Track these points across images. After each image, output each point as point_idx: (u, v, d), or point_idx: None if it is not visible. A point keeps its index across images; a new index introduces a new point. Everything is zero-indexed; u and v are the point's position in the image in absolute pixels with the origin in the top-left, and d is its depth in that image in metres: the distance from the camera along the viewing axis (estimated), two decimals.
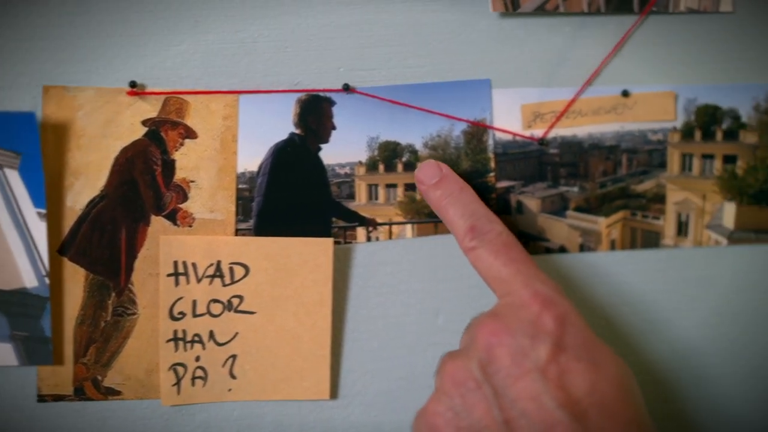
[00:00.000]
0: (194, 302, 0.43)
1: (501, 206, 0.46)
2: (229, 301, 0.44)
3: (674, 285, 0.48)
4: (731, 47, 0.47)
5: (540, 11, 0.45)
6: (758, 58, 0.48)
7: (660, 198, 0.48)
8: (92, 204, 0.42)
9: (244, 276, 0.44)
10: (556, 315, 0.35)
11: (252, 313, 0.44)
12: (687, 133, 0.47)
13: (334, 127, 0.44)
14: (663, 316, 0.48)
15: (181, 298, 0.43)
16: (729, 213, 0.48)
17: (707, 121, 0.47)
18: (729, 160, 0.48)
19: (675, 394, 0.49)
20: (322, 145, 0.44)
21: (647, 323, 0.48)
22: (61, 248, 0.42)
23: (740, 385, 0.49)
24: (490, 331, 0.35)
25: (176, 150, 0.43)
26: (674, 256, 0.48)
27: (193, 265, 0.43)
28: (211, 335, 0.44)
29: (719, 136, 0.48)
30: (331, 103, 0.44)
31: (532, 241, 0.47)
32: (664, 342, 0.48)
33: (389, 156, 0.45)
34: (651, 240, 0.48)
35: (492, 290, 0.38)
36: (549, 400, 0.33)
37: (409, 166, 0.45)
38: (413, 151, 0.45)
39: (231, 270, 0.44)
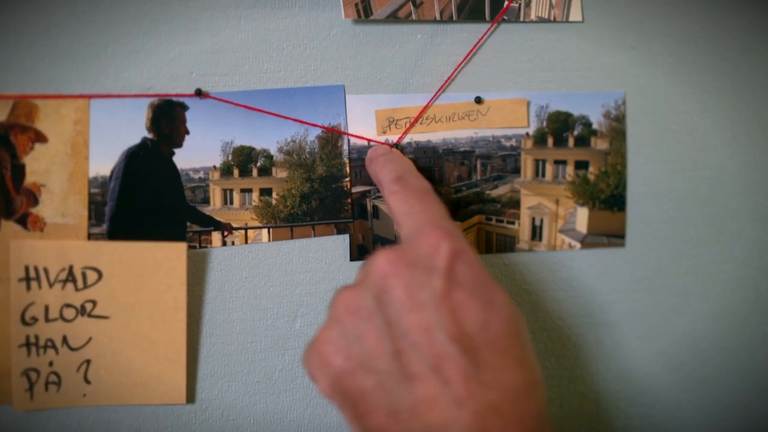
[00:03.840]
0: (47, 307, 0.43)
1: (357, 211, 0.47)
2: (82, 306, 0.44)
3: (530, 287, 0.49)
4: (581, 56, 0.48)
5: (392, 18, 0.45)
6: (607, 67, 0.49)
7: (514, 203, 0.48)
8: None
9: (98, 280, 0.44)
10: (452, 249, 0.34)
11: (106, 317, 0.44)
12: (539, 139, 0.48)
13: (187, 132, 0.44)
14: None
15: (32, 303, 0.43)
16: (582, 217, 0.49)
17: (559, 127, 0.48)
18: (581, 165, 0.49)
19: None
20: (176, 150, 0.44)
21: None
22: None
23: (610, 384, 0.50)
24: (387, 261, 0.34)
25: (26, 154, 0.43)
26: (529, 259, 0.49)
27: (45, 269, 0.43)
28: (65, 340, 0.44)
29: (571, 142, 0.49)
30: (184, 107, 0.44)
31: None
32: None
33: (244, 161, 0.45)
34: (506, 244, 0.48)
35: (399, 231, 0.38)
36: (441, 333, 0.32)
37: (264, 171, 0.45)
38: (268, 156, 0.45)
39: (84, 274, 0.44)
